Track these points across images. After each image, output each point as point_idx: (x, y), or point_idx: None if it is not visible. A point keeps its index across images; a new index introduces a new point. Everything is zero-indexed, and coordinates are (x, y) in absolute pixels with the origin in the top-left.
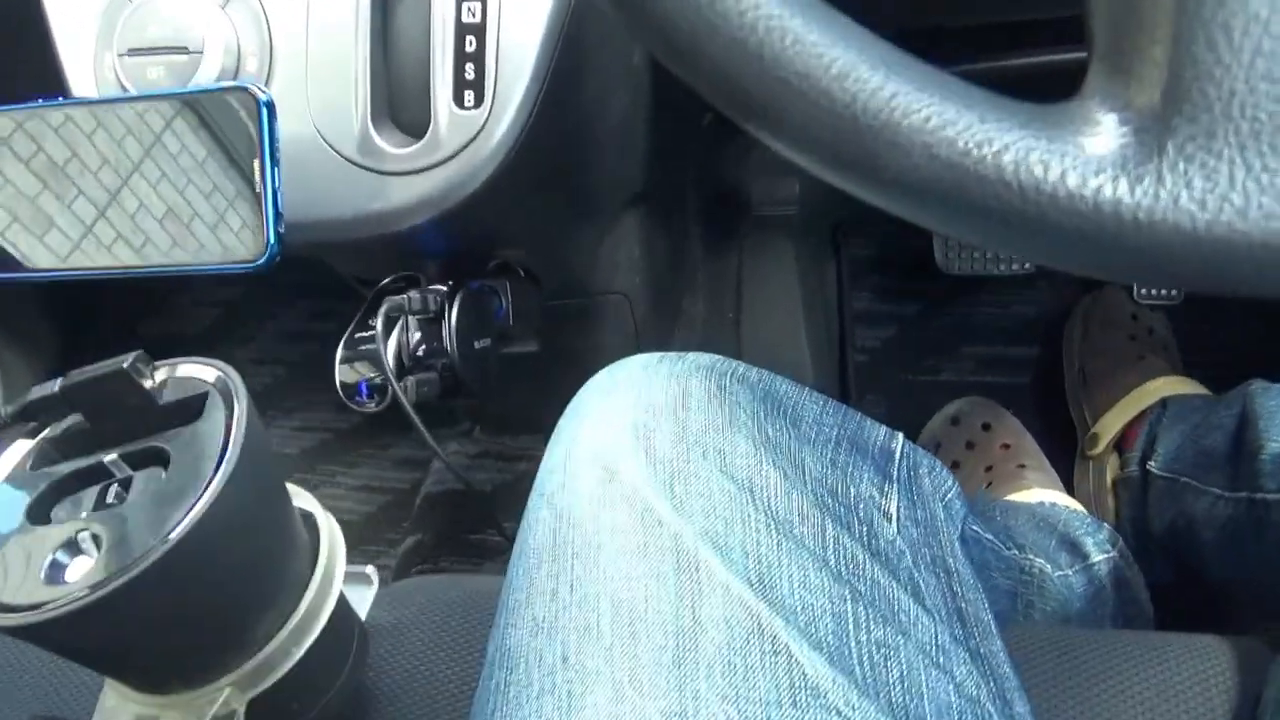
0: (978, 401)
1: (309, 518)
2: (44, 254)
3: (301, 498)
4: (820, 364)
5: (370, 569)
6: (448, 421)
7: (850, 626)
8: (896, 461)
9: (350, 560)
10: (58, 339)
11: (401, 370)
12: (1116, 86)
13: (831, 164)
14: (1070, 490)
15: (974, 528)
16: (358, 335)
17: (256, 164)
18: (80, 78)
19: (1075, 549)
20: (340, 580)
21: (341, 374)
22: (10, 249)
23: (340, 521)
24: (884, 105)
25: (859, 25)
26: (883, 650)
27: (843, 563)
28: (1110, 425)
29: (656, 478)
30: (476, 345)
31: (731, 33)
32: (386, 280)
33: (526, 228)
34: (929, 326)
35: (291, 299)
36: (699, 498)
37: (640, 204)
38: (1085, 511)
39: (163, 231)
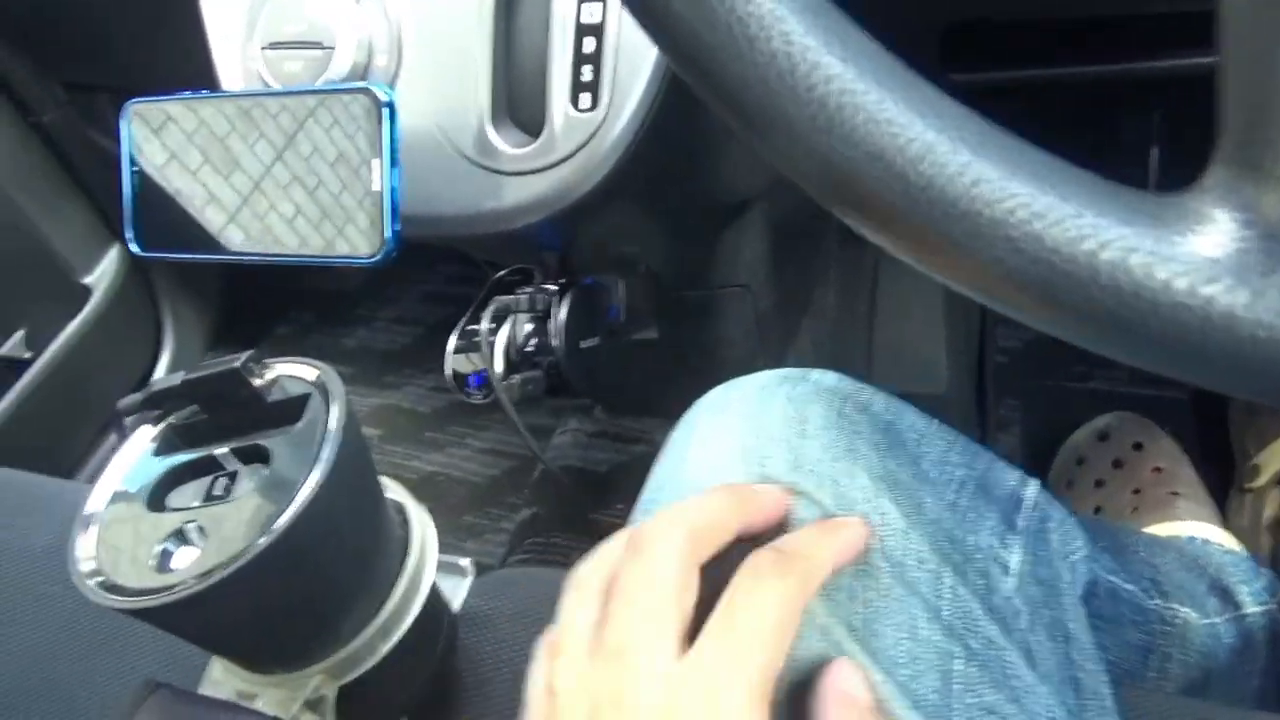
0: (1130, 418)
1: (401, 510)
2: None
3: (394, 490)
4: (956, 364)
5: (466, 561)
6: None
7: (957, 687)
8: (1024, 511)
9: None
10: (224, 293)
11: (509, 365)
12: (1243, 183)
13: (908, 250)
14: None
15: (1111, 578)
16: (469, 327)
17: (376, 163)
18: (228, 70)
19: (1227, 596)
20: (430, 578)
21: (455, 363)
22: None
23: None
24: (964, 193)
25: (946, 95)
26: (990, 718)
27: (957, 615)
28: (1276, 457)
29: None
30: (583, 345)
31: (800, 106)
32: (502, 272)
33: (643, 225)
34: None
35: (434, 262)
36: None
37: (767, 198)
38: (1243, 553)
39: (289, 224)
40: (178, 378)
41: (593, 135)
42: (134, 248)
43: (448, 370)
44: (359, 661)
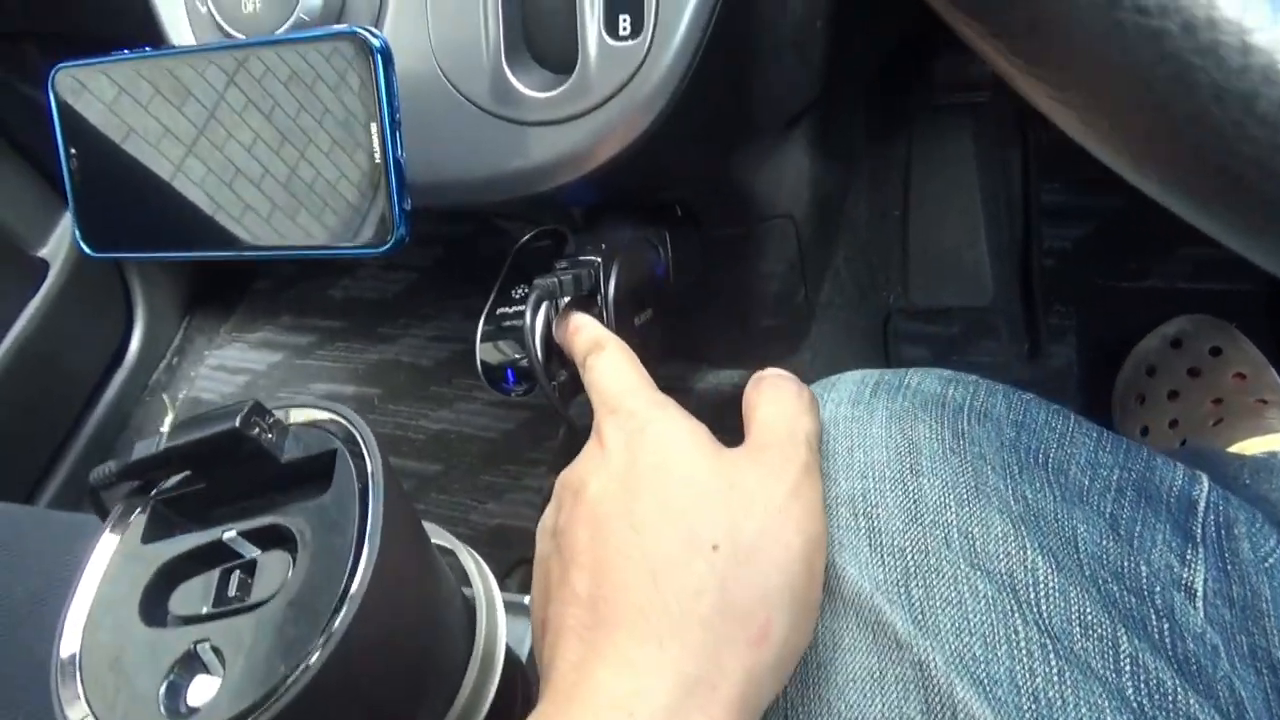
0: (1205, 320)
1: (455, 561)
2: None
3: (440, 537)
4: (1000, 269)
5: (529, 598)
6: None
7: None
8: (1201, 515)
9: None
10: None
11: (549, 354)
12: None
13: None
14: None
15: None
16: (499, 310)
17: (374, 128)
18: (174, 19)
19: None
20: (501, 648)
21: (483, 353)
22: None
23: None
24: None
25: None
26: None
27: (1145, 692)
28: None
29: (887, 576)
30: (637, 322)
31: None
32: (527, 236)
33: (689, 166)
34: (1136, 222)
35: None
36: (946, 605)
37: (812, 112)
38: None
39: (271, 207)
40: (159, 442)
41: (637, 69)
42: (84, 248)
43: (478, 363)
44: None
